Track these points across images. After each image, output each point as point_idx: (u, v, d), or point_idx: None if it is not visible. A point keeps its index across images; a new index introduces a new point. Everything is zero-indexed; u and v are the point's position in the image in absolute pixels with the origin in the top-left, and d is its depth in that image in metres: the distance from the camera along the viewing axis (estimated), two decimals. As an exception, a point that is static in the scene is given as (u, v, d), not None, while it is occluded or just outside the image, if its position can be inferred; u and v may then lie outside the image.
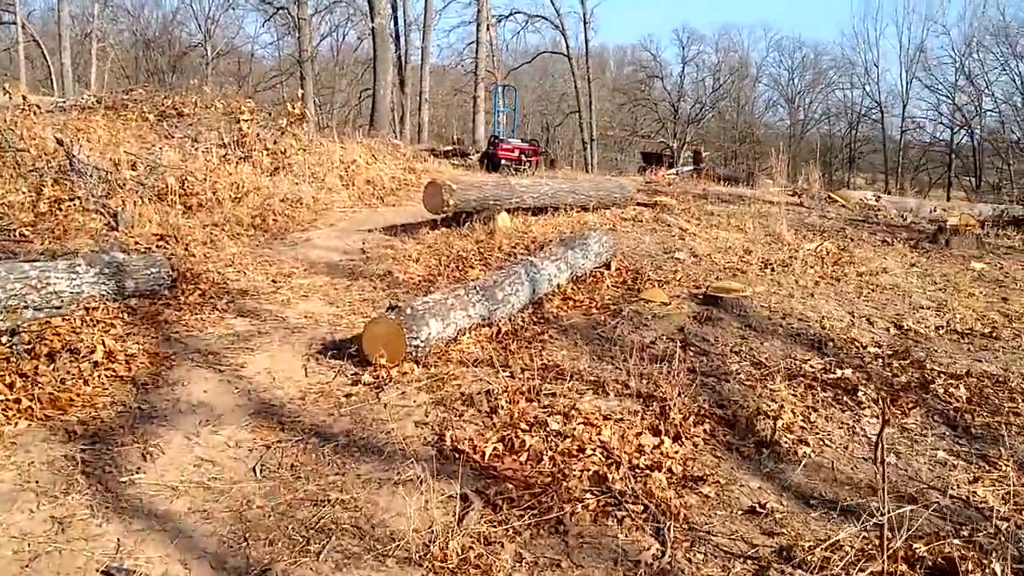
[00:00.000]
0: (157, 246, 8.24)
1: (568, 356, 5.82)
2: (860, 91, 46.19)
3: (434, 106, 37.67)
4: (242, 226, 9.54)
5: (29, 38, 29.90)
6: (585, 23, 36.62)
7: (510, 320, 6.39)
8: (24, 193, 8.93)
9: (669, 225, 10.89)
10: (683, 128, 44.46)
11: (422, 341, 5.48)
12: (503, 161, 16.85)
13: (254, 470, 4.17)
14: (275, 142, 13.86)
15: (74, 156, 9.65)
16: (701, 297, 7.26)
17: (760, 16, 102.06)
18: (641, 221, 11.00)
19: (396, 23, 31.67)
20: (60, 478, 3.90)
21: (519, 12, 36.32)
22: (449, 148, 20.53)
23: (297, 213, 10.59)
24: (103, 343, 5.10)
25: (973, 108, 40.84)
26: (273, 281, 7.64)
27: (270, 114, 18.69)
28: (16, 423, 4.31)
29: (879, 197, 17.21)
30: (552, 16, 36.40)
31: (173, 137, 13.52)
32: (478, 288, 6.19)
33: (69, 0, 31.68)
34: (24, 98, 10.06)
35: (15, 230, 7.83)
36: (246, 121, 13.64)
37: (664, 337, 6.29)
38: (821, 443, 4.79)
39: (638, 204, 12.06)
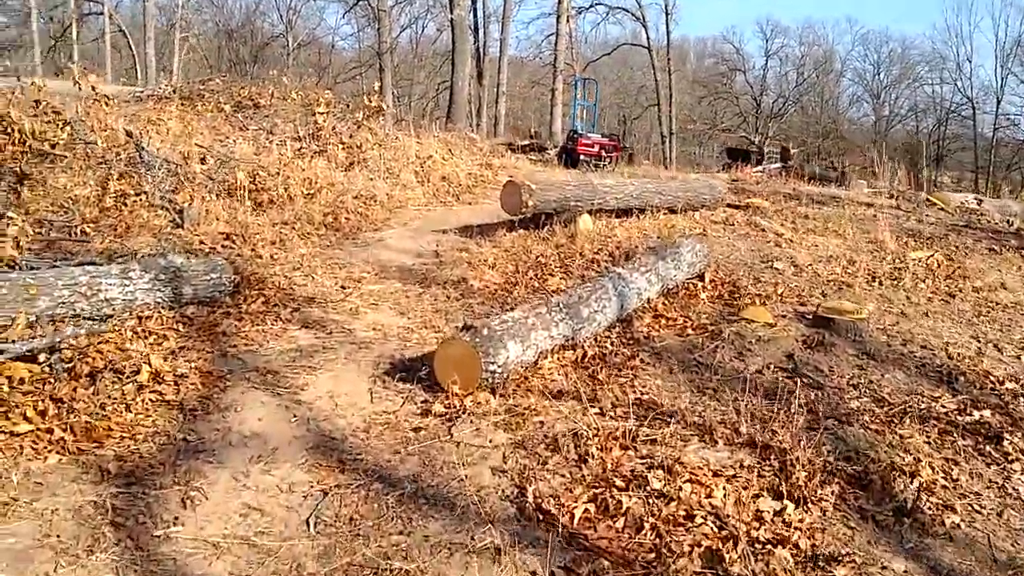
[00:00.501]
0: (223, 246, 7.77)
1: (664, 388, 5.11)
2: (951, 87, 43.95)
3: (511, 98, 37.05)
4: (313, 224, 9.04)
5: (116, 28, 30.20)
6: (667, 14, 35.50)
7: (596, 341, 5.70)
8: (91, 187, 8.56)
9: (763, 230, 10.04)
10: (765, 122, 42.94)
11: (499, 366, 4.84)
12: (582, 156, 16.11)
13: (308, 522, 3.58)
14: (351, 136, 13.40)
15: (143, 148, 9.27)
16: (810, 318, 6.45)
17: (846, 9, 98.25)
18: (733, 225, 10.17)
19: (475, 15, 31.09)
20: (85, 531, 3.36)
21: (600, 3, 35.34)
22: (526, 142, 19.86)
23: (370, 211, 10.05)
24: (149, 362, 4.58)
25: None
26: (342, 287, 7.09)
27: (347, 106, 18.36)
28: (46, 458, 3.80)
29: (980, 200, 15.91)
30: (633, 7, 35.35)
31: (248, 129, 13.15)
32: (561, 305, 5.52)
33: (156, -9, 32.01)
34: (93, 88, 9.70)
35: (76, 227, 7.44)
36: (322, 114, 13.22)
37: (771, 366, 5.53)
38: (970, 509, 3.99)
39: (728, 206, 11.21)
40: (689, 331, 6.09)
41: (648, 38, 36.19)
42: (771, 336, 6.01)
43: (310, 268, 7.50)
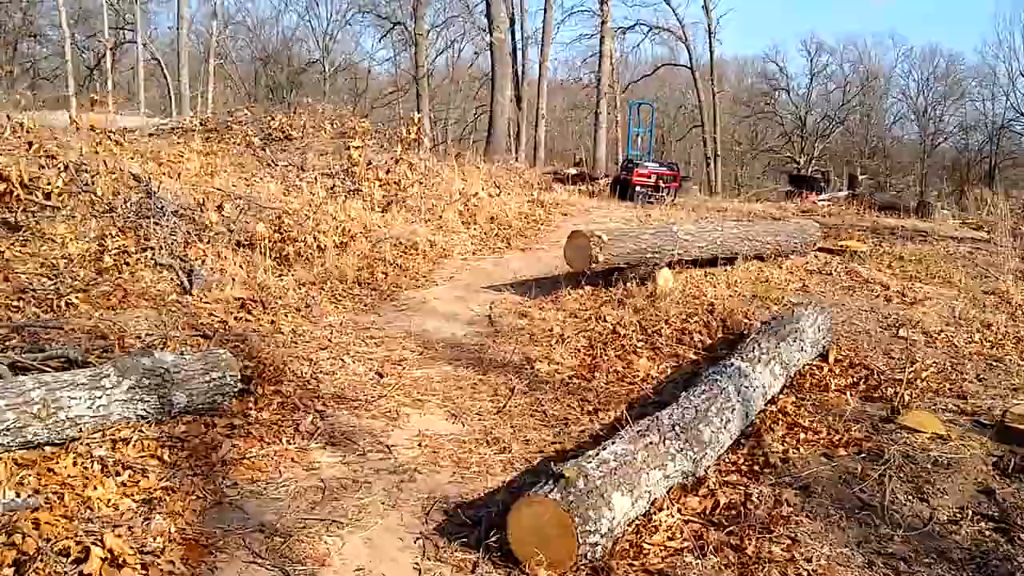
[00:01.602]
0: (236, 317, 6.34)
1: (834, 556, 3.53)
2: (1002, 102, 41.68)
3: (549, 122, 35.57)
4: (345, 283, 7.61)
5: (150, 57, 29.26)
6: (710, 34, 33.85)
7: (720, 470, 4.15)
8: (89, 241, 7.19)
9: (867, 280, 8.43)
10: (810, 142, 41.07)
11: (603, 535, 3.32)
12: (638, 188, 14.53)
13: None
14: (388, 171, 12.02)
15: (153, 193, 7.91)
16: (989, 425, 4.83)
17: (890, 24, 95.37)
18: (831, 274, 8.57)
19: (512, 37, 29.74)
20: None
21: (642, 22, 33.74)
22: (574, 171, 18.35)
23: (411, 262, 8.59)
24: (102, 542, 3.10)
25: None
26: (378, 374, 5.60)
27: (385, 135, 17.04)
28: None
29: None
30: (675, 27, 33.76)
31: (276, 165, 11.79)
32: (676, 426, 3.98)
33: (193, 19, 31.09)
34: (92, 128, 8.33)
35: (62, 298, 6.03)
36: (357, 148, 11.83)
37: (967, 510, 3.92)
38: None
39: (819, 249, 9.59)
40: (839, 449, 4.49)
41: (691, 58, 34.61)
42: (950, 457, 4.40)
43: (340, 346, 6.04)
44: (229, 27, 40.34)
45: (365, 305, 7.28)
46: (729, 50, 75.43)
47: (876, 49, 47.45)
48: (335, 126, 16.25)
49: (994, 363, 6.24)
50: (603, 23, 25.71)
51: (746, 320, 6.74)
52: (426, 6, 33.31)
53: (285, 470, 4.15)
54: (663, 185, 14.67)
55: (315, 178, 11.39)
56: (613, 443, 3.75)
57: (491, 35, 24.21)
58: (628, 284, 7.44)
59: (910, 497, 4.03)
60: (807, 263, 8.93)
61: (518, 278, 8.29)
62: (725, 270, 8.22)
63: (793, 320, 5.68)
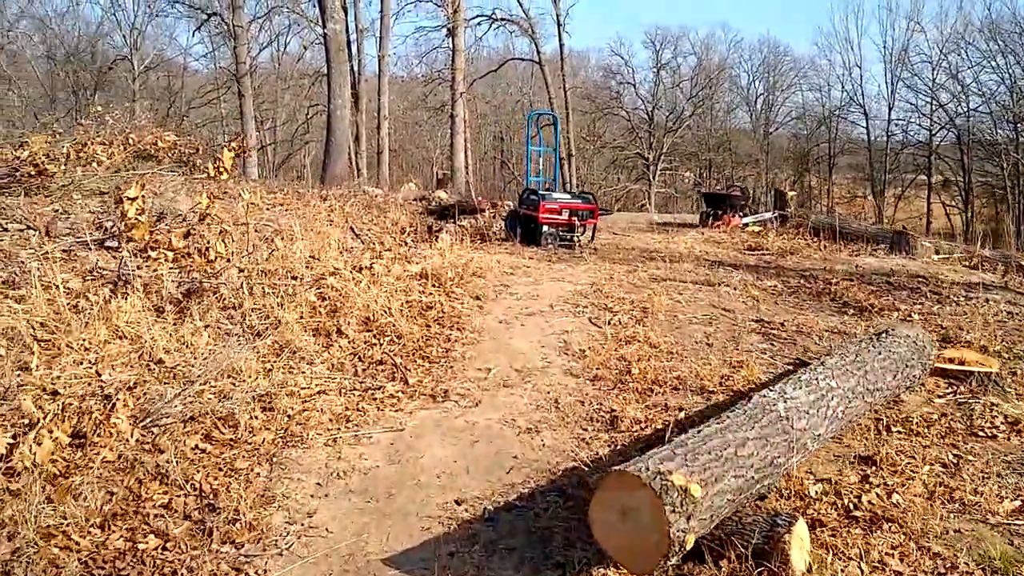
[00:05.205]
0: None
1: None
2: (840, 92, 40.34)
3: (391, 123, 30.64)
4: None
5: None
6: (559, 25, 30.06)
7: None
8: None
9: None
10: (659, 138, 38.24)
11: None
12: (546, 228, 10.26)
13: None
14: (188, 234, 7.24)
15: None
16: None
17: (723, 16, 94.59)
18: (994, 436, 4.62)
19: (347, 30, 24.69)
20: None
21: (483, 15, 29.32)
22: (444, 195, 13.82)
23: (224, 479, 3.91)
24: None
25: (960, 107, 35.45)
26: None
27: (198, 151, 11.87)
28: None
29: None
30: (520, 19, 29.62)
31: (5, 230, 6.65)
32: None
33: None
34: None
35: None
36: (132, 200, 6.93)
37: None
38: None
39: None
40: None
41: (539, 52, 30.61)
42: None
43: None
44: (23, 20, 32.75)
45: None
46: (573, 44, 72.06)
47: (710, 40, 45.00)
48: (132, 142, 11.10)
49: None
50: (455, 12, 21.12)
51: None
52: (246, -6, 27.65)
53: None
54: (579, 223, 10.45)
55: (68, 250, 6.44)
56: None
57: (324, 27, 19.27)
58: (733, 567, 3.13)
59: None
60: (930, 405, 4.94)
61: (454, 518, 3.80)
62: (840, 466, 4.07)
63: None
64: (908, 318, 7.24)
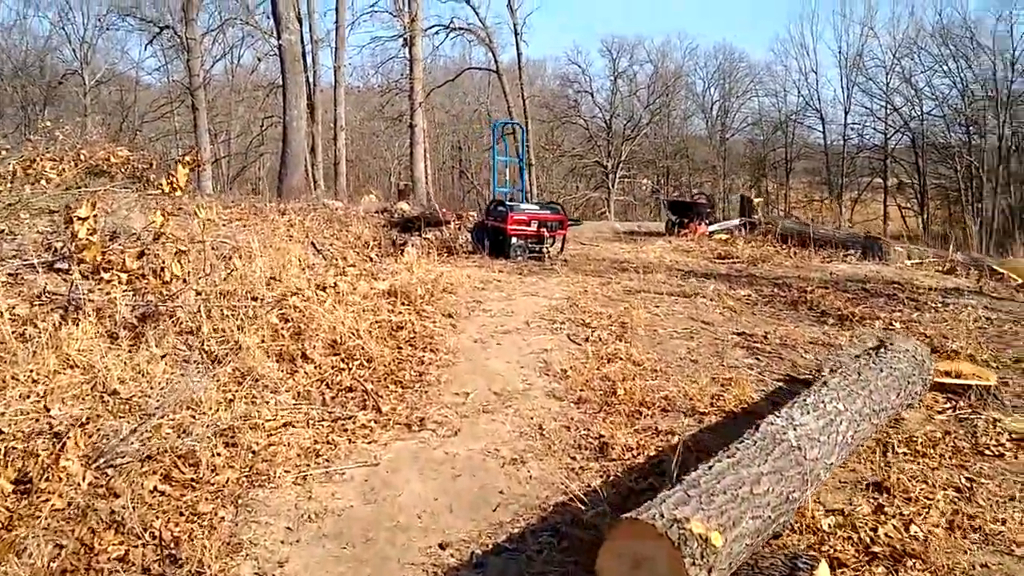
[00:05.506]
0: None
1: None
2: (796, 97, 40.70)
3: (348, 133, 30.12)
4: None
5: None
6: (517, 34, 29.85)
7: None
8: None
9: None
10: (617, 146, 38.19)
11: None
12: (514, 240, 9.95)
13: None
14: (142, 254, 6.83)
15: None
16: None
17: (679, 24, 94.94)
18: (1001, 455, 4.40)
19: (303, 41, 24.19)
20: None
21: (439, 25, 28.96)
22: (407, 206, 13.44)
23: (187, 525, 3.52)
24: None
25: (914, 111, 36.02)
26: None
27: (151, 166, 11.43)
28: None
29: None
30: (478, 28, 29.32)
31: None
32: None
33: None
34: None
35: None
36: (82, 220, 6.50)
37: None
38: None
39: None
40: None
41: (496, 61, 30.35)
42: None
43: None
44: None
45: None
46: (536, 51, 71.72)
47: (666, 48, 45.16)
48: (83, 158, 10.63)
49: None
50: (412, 21, 20.76)
51: None
52: (198, 8, 26.99)
53: None
54: (547, 234, 10.16)
55: (14, 274, 5.99)
56: None
57: (279, 38, 18.88)
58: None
59: None
60: (931, 423, 4.71)
61: (439, 564, 3.45)
62: (848, 495, 3.80)
63: None
64: (890, 327, 7.06)
